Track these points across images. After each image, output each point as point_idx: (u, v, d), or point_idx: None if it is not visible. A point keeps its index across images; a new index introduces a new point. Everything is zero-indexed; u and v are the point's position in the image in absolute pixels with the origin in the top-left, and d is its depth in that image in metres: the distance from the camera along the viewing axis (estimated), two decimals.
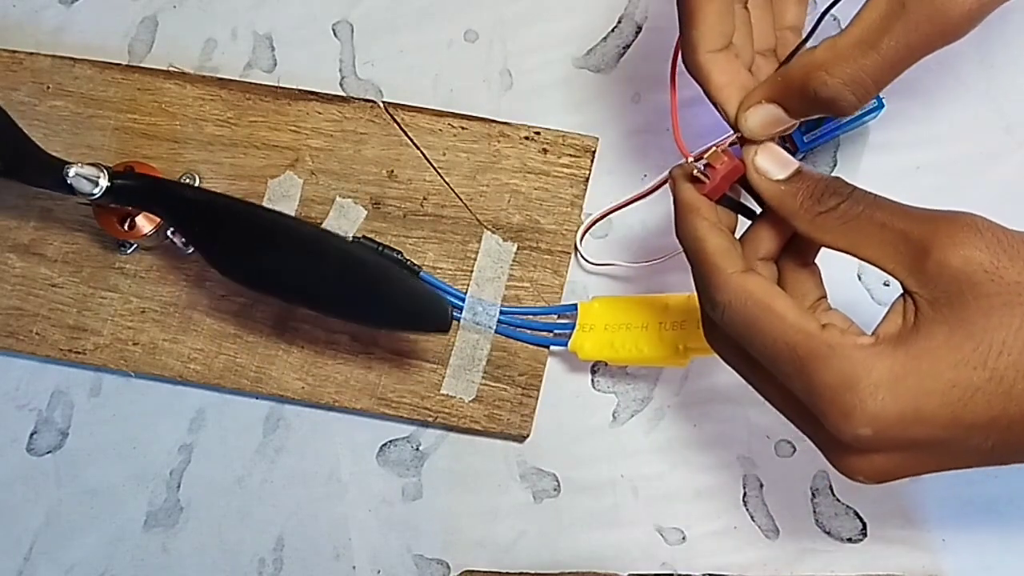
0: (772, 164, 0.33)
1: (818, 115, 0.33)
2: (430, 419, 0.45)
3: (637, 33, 0.49)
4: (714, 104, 0.34)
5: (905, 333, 0.29)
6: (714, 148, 0.33)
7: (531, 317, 0.45)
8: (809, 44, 0.33)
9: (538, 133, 0.47)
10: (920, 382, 0.28)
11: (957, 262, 0.29)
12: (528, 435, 0.45)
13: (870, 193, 0.31)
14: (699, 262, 0.33)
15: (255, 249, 0.41)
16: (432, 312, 0.40)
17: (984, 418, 0.28)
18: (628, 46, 0.49)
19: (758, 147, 0.33)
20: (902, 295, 0.30)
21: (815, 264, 0.34)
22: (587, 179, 0.46)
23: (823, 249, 0.33)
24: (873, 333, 0.30)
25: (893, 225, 0.30)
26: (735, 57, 0.34)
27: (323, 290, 0.41)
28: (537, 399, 0.45)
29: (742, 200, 0.35)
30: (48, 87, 0.49)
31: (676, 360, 0.44)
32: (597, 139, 0.47)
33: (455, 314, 0.45)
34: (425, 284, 0.43)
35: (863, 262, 0.31)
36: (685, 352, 0.43)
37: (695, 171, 0.34)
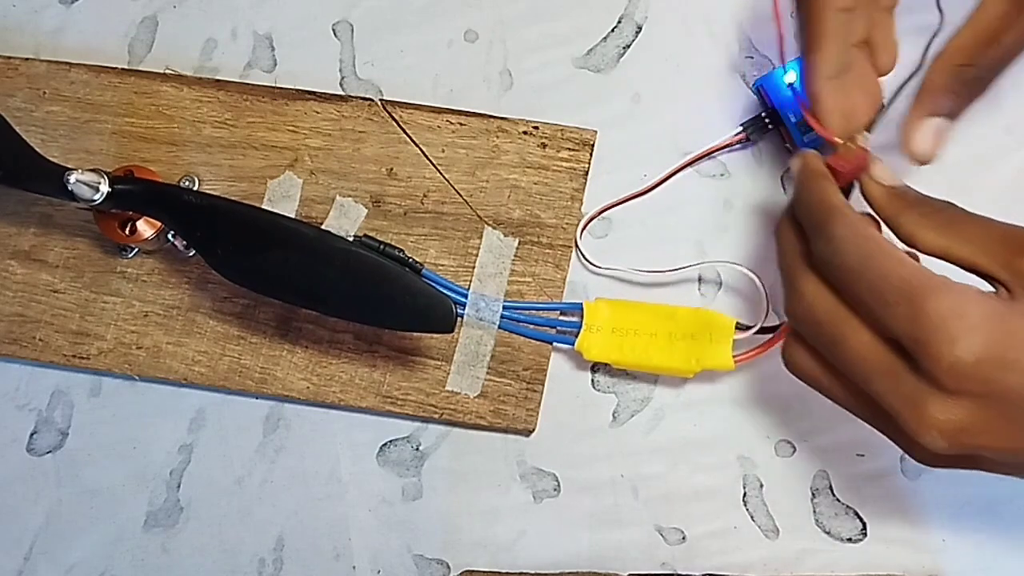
0: (887, 174, 0.37)
1: (968, 103, 0.37)
2: (435, 416, 0.45)
3: (637, 33, 0.49)
4: (815, 124, 0.38)
5: (1004, 300, 0.32)
6: (844, 142, 0.38)
7: (534, 312, 0.45)
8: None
9: (536, 128, 0.47)
10: (1021, 328, 0.31)
11: None
12: (534, 429, 0.45)
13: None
14: (822, 208, 0.35)
15: (257, 252, 0.41)
16: (436, 311, 0.40)
17: None
18: (628, 46, 0.49)
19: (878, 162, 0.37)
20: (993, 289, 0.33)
21: None
22: (586, 172, 0.47)
23: None
24: None
25: (993, 226, 0.34)
26: (843, 86, 0.38)
27: (326, 291, 0.41)
28: (542, 393, 0.45)
29: None
30: (44, 92, 0.49)
31: (684, 371, 0.44)
32: (595, 132, 0.47)
33: (458, 311, 0.45)
34: (428, 283, 0.43)
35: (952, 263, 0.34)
36: (696, 364, 0.43)
37: (852, 150, 0.37)
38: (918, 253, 0.35)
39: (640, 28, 0.49)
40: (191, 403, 0.48)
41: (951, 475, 0.44)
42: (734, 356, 0.43)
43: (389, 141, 0.47)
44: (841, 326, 0.34)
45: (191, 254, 0.46)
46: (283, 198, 0.47)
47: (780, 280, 0.45)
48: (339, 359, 0.46)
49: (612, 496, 0.46)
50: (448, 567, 0.46)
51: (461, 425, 0.46)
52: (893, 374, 0.32)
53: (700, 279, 0.47)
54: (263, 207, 0.47)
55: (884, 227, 0.36)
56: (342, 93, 0.49)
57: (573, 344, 0.44)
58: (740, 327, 0.43)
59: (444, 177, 0.47)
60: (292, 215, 0.47)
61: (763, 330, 0.43)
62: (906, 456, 0.37)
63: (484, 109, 0.47)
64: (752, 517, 0.45)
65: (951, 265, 0.34)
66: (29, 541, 0.47)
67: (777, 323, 0.43)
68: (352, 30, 0.50)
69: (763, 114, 0.46)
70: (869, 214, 0.37)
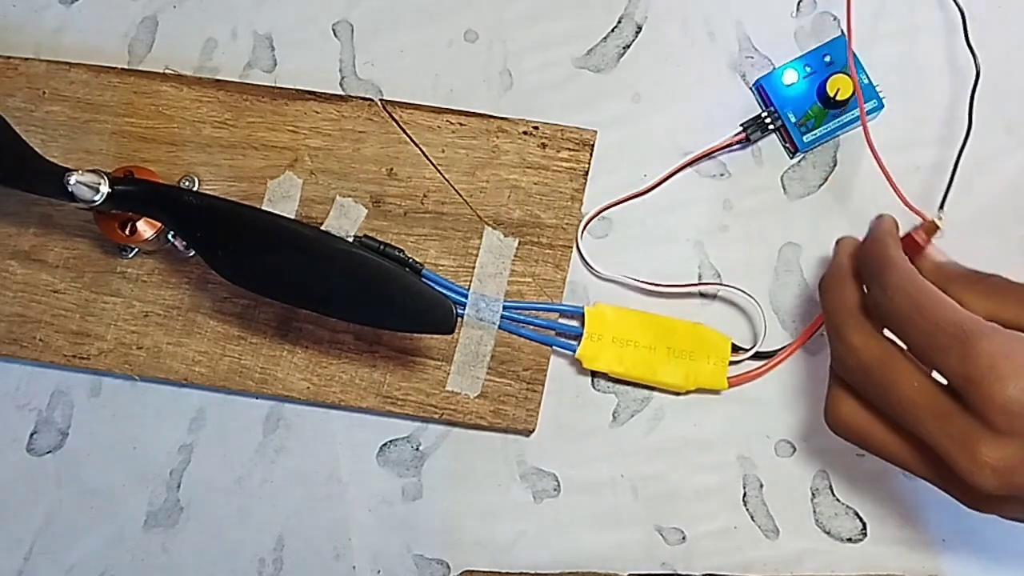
0: (938, 252, 0.40)
1: None
2: (435, 416, 0.45)
3: (637, 33, 0.49)
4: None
5: None
6: (933, 220, 0.41)
7: (534, 312, 0.45)
8: None
9: (536, 128, 0.47)
10: None
11: None
12: (534, 429, 0.45)
13: None
14: (884, 259, 0.37)
15: (257, 253, 0.41)
16: (436, 312, 0.40)
17: None
18: (628, 46, 0.49)
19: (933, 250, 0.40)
20: None
21: None
22: (586, 173, 0.47)
23: None
24: None
25: None
26: None
27: (326, 292, 0.41)
28: (542, 393, 0.45)
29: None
30: (44, 92, 0.49)
31: (680, 387, 0.45)
32: (595, 132, 0.47)
33: (458, 311, 0.45)
34: (428, 283, 0.43)
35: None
36: (692, 382, 0.44)
37: (934, 226, 0.41)
38: None
39: (640, 28, 0.49)
40: (191, 403, 0.48)
41: None
42: (728, 377, 0.45)
43: (389, 141, 0.47)
44: (891, 371, 0.35)
45: (191, 254, 0.46)
46: (283, 198, 0.47)
47: (784, 298, 0.46)
48: (339, 359, 0.46)
49: (612, 496, 0.46)
50: (448, 567, 0.46)
51: (461, 425, 0.46)
52: (945, 415, 0.33)
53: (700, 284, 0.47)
54: (263, 207, 0.47)
55: None
56: (342, 93, 0.49)
57: (574, 351, 0.45)
58: (736, 348, 0.45)
59: (444, 177, 0.47)
60: (292, 215, 0.47)
61: (758, 355, 0.45)
62: None
63: (484, 109, 0.47)
64: (752, 517, 0.45)
65: None
66: (29, 541, 0.47)
67: (773, 348, 0.45)
68: (352, 30, 0.50)
69: (763, 114, 0.46)
70: None
